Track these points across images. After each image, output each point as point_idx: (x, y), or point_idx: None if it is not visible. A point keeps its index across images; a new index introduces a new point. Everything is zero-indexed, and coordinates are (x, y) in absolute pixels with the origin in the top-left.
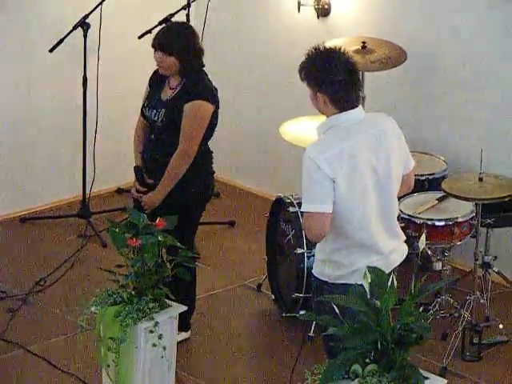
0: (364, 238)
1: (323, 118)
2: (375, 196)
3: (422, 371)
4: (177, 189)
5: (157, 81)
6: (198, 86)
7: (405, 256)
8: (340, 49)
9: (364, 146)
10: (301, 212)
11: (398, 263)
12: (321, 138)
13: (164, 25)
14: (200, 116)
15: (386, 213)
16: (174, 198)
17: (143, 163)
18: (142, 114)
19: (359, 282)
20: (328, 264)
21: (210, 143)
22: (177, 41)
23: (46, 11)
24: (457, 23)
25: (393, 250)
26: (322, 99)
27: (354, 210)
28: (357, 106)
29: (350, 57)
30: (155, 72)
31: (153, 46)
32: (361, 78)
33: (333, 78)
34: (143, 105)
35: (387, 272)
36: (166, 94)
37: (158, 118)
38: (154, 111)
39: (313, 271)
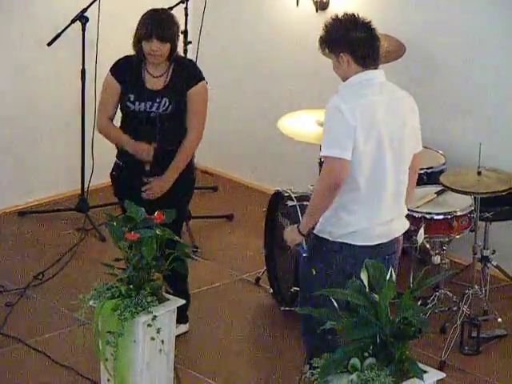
0: (371, 196)
1: (321, 111)
2: (389, 157)
3: (420, 365)
4: (182, 176)
5: (125, 73)
6: (193, 67)
7: (405, 229)
8: (354, 13)
9: (383, 106)
10: (321, 157)
11: (399, 234)
12: (342, 91)
13: (149, 12)
14: (206, 97)
15: (396, 179)
16: (179, 185)
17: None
18: (126, 108)
19: (358, 244)
20: (331, 221)
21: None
22: (171, 28)
23: (45, 5)
24: (457, 17)
25: (394, 219)
26: (345, 60)
27: (368, 163)
28: (378, 68)
29: (365, 18)
30: (122, 63)
31: (149, 35)
32: (379, 38)
33: (353, 35)
34: (126, 99)
35: (388, 240)
36: (155, 83)
37: (157, 109)
38: (149, 103)
39: (314, 231)
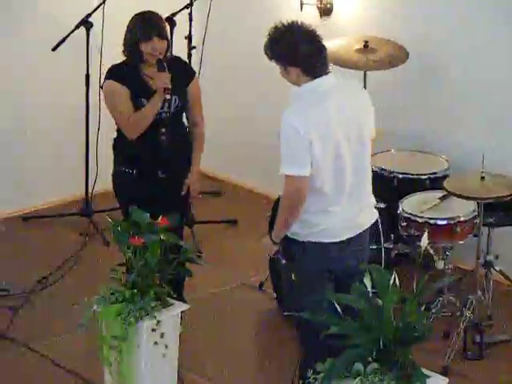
0: (335, 198)
1: None
2: (349, 159)
3: (423, 370)
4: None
5: (126, 78)
6: (185, 62)
7: (374, 220)
8: (297, 22)
9: (335, 110)
10: (280, 175)
11: (367, 227)
12: (295, 103)
13: (141, 15)
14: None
15: (358, 177)
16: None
17: (154, 159)
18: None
19: (326, 241)
20: (299, 223)
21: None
22: (165, 25)
23: (49, 10)
24: (459, 23)
25: (361, 213)
26: (294, 73)
27: (329, 170)
28: (328, 73)
29: (309, 26)
30: (117, 70)
31: (149, 35)
32: (325, 47)
33: (299, 50)
34: (139, 104)
35: (356, 234)
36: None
37: (168, 108)
38: (160, 103)
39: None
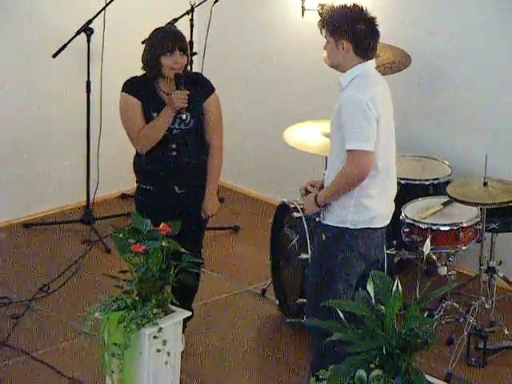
0: (385, 179)
1: (327, 122)
2: (391, 141)
3: (427, 376)
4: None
5: (140, 91)
6: (203, 79)
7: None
8: (361, 5)
9: (384, 94)
10: (348, 150)
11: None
12: (354, 83)
13: (163, 29)
14: (220, 106)
15: (393, 161)
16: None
17: (166, 175)
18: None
19: (377, 226)
20: (351, 210)
21: None
22: (186, 40)
23: (50, 17)
24: (462, 28)
25: (392, 203)
26: (345, 47)
27: (382, 148)
28: (373, 58)
29: (370, 12)
30: (132, 83)
31: (172, 49)
32: (380, 35)
33: (359, 27)
34: (149, 118)
35: (387, 224)
36: None
37: (179, 125)
38: (175, 119)
39: (326, 221)
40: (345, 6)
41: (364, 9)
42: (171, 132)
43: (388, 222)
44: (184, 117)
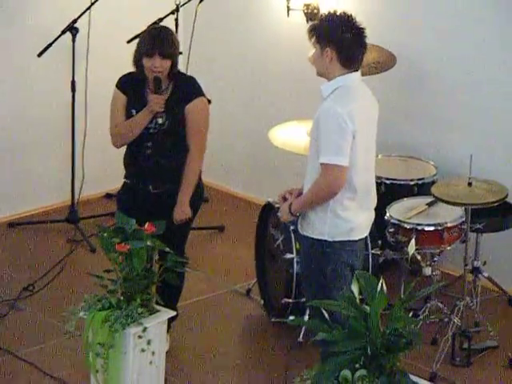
0: (363, 192)
1: (312, 121)
2: (370, 155)
3: (411, 376)
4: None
5: (129, 88)
6: (192, 84)
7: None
8: (351, 14)
9: (366, 108)
10: (321, 163)
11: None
12: (335, 95)
13: (151, 30)
14: (205, 113)
15: (372, 173)
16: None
17: (141, 172)
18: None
19: (356, 238)
20: (328, 222)
21: None
22: (173, 45)
23: (35, 15)
24: (446, 28)
25: (371, 213)
26: (330, 55)
27: (361, 164)
28: (358, 69)
29: (359, 22)
30: (125, 78)
31: (151, 52)
32: (367, 47)
33: (345, 35)
34: (128, 114)
35: (366, 235)
36: None
37: (155, 125)
38: (152, 120)
39: (305, 233)
40: (333, 14)
41: (353, 17)
42: (148, 131)
43: (367, 232)
44: (160, 120)
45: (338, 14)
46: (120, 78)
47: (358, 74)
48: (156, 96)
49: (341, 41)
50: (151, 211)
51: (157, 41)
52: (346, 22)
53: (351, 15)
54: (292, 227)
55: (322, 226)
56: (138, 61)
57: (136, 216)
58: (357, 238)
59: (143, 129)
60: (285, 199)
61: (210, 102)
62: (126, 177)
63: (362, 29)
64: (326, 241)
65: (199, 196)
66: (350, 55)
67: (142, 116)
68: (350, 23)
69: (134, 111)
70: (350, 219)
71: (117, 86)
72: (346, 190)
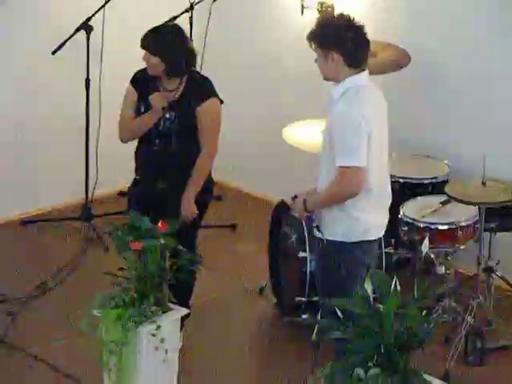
0: (379, 193)
1: (324, 120)
2: (384, 155)
3: (424, 375)
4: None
5: (142, 84)
6: (205, 84)
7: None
8: (349, 15)
9: (377, 107)
10: (339, 166)
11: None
12: (346, 97)
13: (154, 27)
14: (217, 113)
15: (387, 173)
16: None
17: (149, 169)
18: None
19: (372, 239)
20: (344, 223)
21: None
22: (160, 41)
23: (49, 13)
24: (461, 27)
25: (387, 213)
26: (335, 59)
27: (376, 163)
28: (366, 68)
29: (359, 21)
30: (139, 74)
31: (141, 45)
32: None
33: (347, 36)
34: (137, 110)
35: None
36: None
37: (164, 123)
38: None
39: (321, 235)
40: (331, 17)
41: (351, 18)
42: (157, 128)
43: (383, 232)
44: (168, 116)
45: (335, 16)
46: (134, 74)
47: (366, 73)
48: (156, 94)
49: (344, 42)
50: (160, 208)
51: (145, 34)
52: (346, 23)
53: (349, 15)
54: (305, 226)
55: (337, 227)
56: None
57: (146, 211)
58: (372, 239)
59: (155, 126)
60: (295, 197)
61: (222, 102)
62: (135, 171)
63: (362, 26)
64: (341, 242)
65: (208, 194)
66: (356, 55)
67: (148, 116)
68: (349, 23)
69: (142, 107)
70: (366, 220)
71: (130, 81)
72: (362, 191)
